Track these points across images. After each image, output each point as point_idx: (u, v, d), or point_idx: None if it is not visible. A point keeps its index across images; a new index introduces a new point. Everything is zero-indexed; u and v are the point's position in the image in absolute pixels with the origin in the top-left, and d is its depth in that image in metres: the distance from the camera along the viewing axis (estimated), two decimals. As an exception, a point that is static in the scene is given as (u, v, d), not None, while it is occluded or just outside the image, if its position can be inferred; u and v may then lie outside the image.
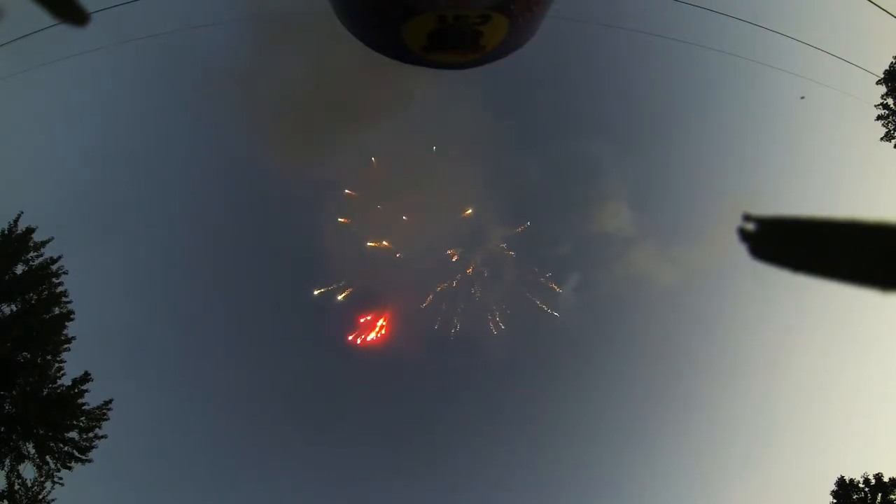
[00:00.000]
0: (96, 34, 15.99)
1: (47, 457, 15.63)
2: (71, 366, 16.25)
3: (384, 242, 29.30)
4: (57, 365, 16.09)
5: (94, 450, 16.01)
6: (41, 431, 15.52)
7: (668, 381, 31.59)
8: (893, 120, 20.19)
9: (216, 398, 29.28)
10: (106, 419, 16.20)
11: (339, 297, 29.26)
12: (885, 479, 19.91)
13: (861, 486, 20.18)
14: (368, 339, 29.46)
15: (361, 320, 29.49)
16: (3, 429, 15.27)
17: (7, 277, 15.75)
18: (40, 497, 15.61)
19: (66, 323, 16.28)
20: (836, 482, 20.53)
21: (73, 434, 15.89)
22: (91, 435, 16.00)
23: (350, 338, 29.48)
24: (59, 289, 16.35)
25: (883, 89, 19.76)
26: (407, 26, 1.56)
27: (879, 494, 19.95)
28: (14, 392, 15.49)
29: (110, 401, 16.34)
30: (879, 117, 20.35)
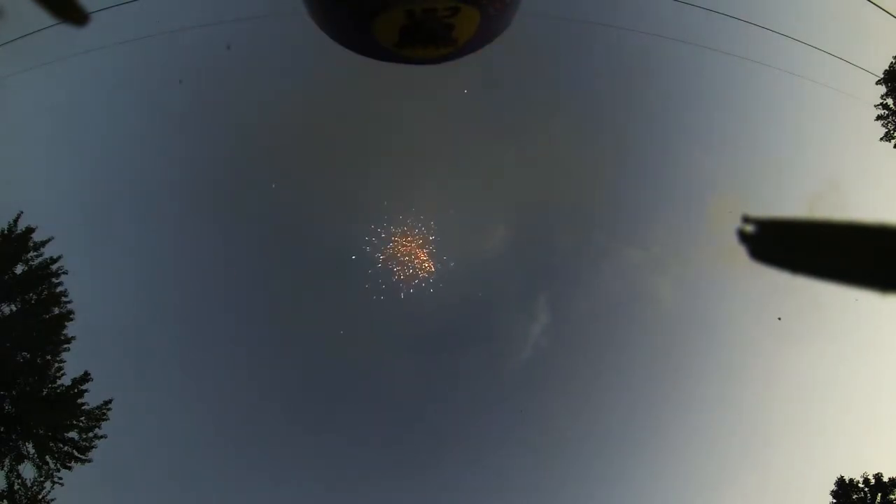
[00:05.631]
0: (96, 34, 15.97)
1: (47, 457, 15.66)
2: (71, 366, 16.30)
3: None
4: (57, 365, 16.12)
5: (93, 450, 16.07)
6: (41, 431, 15.55)
7: (665, 381, 31.59)
8: (893, 120, 20.22)
9: (217, 397, 29.27)
10: (106, 419, 16.24)
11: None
12: (885, 479, 19.94)
13: (861, 486, 20.20)
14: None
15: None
16: (2, 429, 15.29)
17: (7, 277, 15.77)
18: (40, 497, 15.63)
19: (66, 323, 16.32)
20: (836, 482, 20.56)
21: (73, 434, 15.93)
22: (91, 435, 16.04)
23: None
24: (59, 289, 16.38)
25: (883, 89, 19.80)
26: (377, 21, 1.56)
27: (879, 494, 19.97)
28: (14, 392, 15.51)
29: (110, 401, 16.37)
30: (879, 117, 20.38)
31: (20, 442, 15.44)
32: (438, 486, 29.35)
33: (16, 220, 16.17)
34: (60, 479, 15.75)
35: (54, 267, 16.31)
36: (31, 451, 15.57)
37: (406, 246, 28.78)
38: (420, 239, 28.57)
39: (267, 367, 30.67)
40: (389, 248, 28.87)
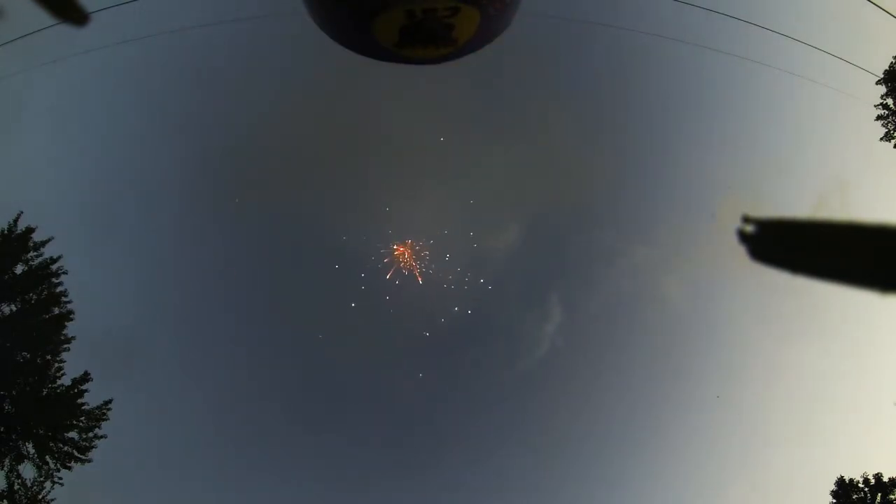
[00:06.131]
0: (96, 34, 15.98)
1: (47, 457, 15.66)
2: (71, 366, 16.30)
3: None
4: (57, 365, 16.12)
5: (93, 450, 16.06)
6: (41, 431, 15.54)
7: (665, 381, 31.60)
8: (893, 120, 20.20)
9: (217, 397, 29.28)
10: (105, 419, 16.23)
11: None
12: (885, 479, 19.93)
13: (861, 486, 20.19)
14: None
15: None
16: (2, 429, 15.29)
17: (7, 277, 15.77)
18: (40, 497, 15.63)
19: (66, 323, 16.31)
20: (836, 482, 20.55)
21: (73, 434, 15.93)
22: (91, 435, 16.04)
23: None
24: (59, 289, 16.37)
25: (883, 89, 19.79)
26: (377, 21, 1.55)
27: (879, 494, 19.97)
28: (14, 392, 15.51)
29: (110, 401, 16.37)
30: (879, 117, 20.37)
31: (20, 442, 15.43)
32: (438, 486, 29.37)
33: (16, 220, 16.17)
34: (60, 479, 15.75)
35: (54, 267, 16.31)
36: (31, 451, 15.56)
37: (408, 247, 28.87)
38: (422, 241, 28.70)
39: (267, 367, 30.69)
40: (392, 249, 28.94)
